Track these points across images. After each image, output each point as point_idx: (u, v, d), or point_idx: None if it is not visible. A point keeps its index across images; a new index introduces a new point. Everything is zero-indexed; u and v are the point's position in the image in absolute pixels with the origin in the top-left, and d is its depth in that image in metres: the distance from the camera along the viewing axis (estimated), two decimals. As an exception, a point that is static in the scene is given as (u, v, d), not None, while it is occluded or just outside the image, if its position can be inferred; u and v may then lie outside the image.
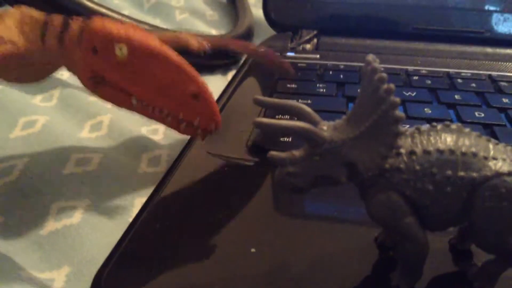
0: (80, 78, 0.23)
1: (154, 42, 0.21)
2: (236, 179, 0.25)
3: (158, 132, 0.33)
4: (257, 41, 0.49)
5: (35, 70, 0.25)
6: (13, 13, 0.23)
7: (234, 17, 0.53)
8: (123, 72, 0.21)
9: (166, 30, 0.41)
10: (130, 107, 0.23)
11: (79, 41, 0.22)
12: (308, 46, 0.46)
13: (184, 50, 0.26)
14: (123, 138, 0.31)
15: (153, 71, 0.21)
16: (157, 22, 0.52)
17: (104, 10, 0.38)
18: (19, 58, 0.23)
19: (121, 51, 0.21)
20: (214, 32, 0.53)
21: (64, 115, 0.34)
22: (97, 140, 0.31)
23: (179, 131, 0.23)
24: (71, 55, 0.22)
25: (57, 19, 0.22)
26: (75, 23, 0.22)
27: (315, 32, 0.47)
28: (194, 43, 0.27)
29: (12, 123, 0.32)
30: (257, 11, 0.53)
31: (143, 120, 0.34)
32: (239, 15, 0.52)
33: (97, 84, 0.22)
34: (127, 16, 0.39)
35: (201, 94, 0.22)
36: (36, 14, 0.23)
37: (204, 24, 0.54)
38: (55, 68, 0.25)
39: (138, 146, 0.31)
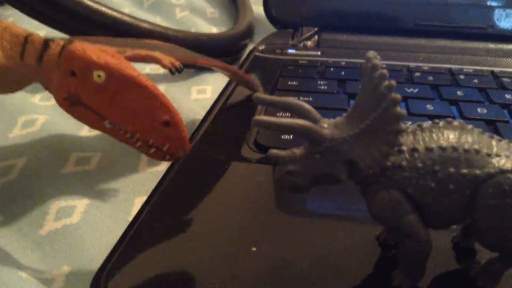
0: (55, 97, 0.23)
1: (131, 70, 0.22)
2: (236, 178, 0.25)
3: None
4: (257, 38, 0.49)
5: (10, 83, 0.25)
6: None
7: (235, 14, 0.53)
8: (100, 96, 0.22)
9: (163, 28, 0.41)
10: (102, 128, 0.23)
11: (57, 63, 0.22)
12: (309, 43, 0.46)
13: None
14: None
15: (128, 97, 0.22)
16: (157, 20, 0.52)
17: (103, 9, 0.38)
18: None
19: (99, 77, 0.21)
20: (214, 29, 0.53)
21: (63, 114, 0.33)
22: (96, 139, 0.31)
23: (148, 155, 0.24)
24: (48, 74, 0.23)
25: (37, 38, 0.23)
26: (55, 45, 0.22)
27: (316, 29, 0.47)
28: (166, 63, 0.27)
29: (12, 122, 0.32)
30: (258, 8, 0.53)
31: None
32: (239, 12, 0.52)
33: (72, 104, 0.22)
34: (127, 14, 0.39)
35: (173, 122, 0.22)
36: (17, 29, 0.23)
37: (204, 21, 0.54)
38: (30, 82, 0.26)
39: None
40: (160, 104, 0.22)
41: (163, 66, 0.27)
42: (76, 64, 0.22)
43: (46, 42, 0.22)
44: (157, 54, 0.28)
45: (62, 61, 0.22)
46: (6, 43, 0.23)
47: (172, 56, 0.28)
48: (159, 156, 0.24)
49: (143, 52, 0.27)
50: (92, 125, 0.23)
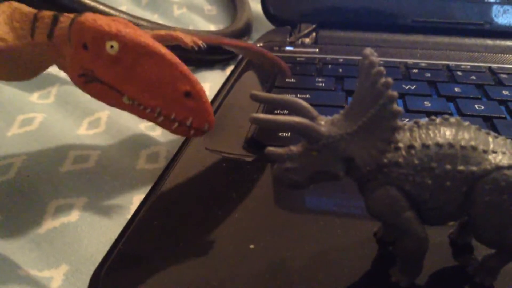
0: (70, 75, 0.22)
1: (145, 39, 0.21)
2: (234, 175, 0.25)
3: (156, 129, 0.33)
4: (255, 35, 0.49)
5: (25, 67, 0.24)
6: (3, 9, 0.22)
7: (233, 12, 0.53)
8: (114, 69, 0.21)
9: (161, 26, 0.41)
10: (121, 105, 0.22)
11: (69, 37, 0.21)
12: (307, 40, 0.46)
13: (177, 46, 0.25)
14: (121, 134, 0.31)
15: (145, 68, 0.21)
16: (155, 17, 0.52)
17: (101, 7, 0.38)
18: (8, 55, 0.22)
19: (113, 48, 0.20)
20: (212, 27, 0.53)
21: (61, 113, 0.33)
22: (95, 137, 0.31)
23: (171, 131, 0.23)
24: (61, 51, 0.22)
25: (47, 14, 0.22)
26: (65, 19, 0.22)
27: (313, 26, 0.47)
28: (187, 41, 0.26)
29: (10, 121, 0.32)
30: (256, 6, 0.53)
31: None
32: (237, 9, 0.52)
33: (87, 81, 0.22)
34: (125, 12, 0.39)
35: (194, 92, 0.21)
36: (26, 9, 0.22)
37: (202, 19, 0.54)
38: (46, 65, 0.25)
39: (136, 143, 0.31)
40: (179, 74, 0.21)
41: (185, 44, 0.26)
42: (87, 35, 0.21)
43: (56, 16, 0.22)
44: (178, 33, 0.26)
45: (73, 34, 0.21)
46: (16, 24, 0.22)
47: (195, 36, 0.27)
48: (183, 131, 0.22)
49: (162, 31, 0.26)
50: (110, 102, 0.22)
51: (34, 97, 0.35)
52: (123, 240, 0.21)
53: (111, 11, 0.38)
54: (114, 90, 0.22)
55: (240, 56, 0.43)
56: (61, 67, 0.24)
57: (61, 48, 0.22)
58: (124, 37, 0.20)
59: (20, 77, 0.25)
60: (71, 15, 0.22)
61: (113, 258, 0.20)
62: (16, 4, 0.23)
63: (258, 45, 0.44)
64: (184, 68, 0.21)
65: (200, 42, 0.26)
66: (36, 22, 0.22)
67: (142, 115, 0.22)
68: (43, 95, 0.36)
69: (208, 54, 0.41)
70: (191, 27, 0.51)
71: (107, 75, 0.21)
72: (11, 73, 0.24)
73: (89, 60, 0.21)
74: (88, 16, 0.21)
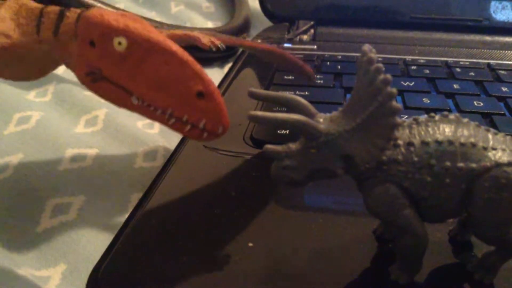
0: (76, 73, 0.22)
1: (156, 35, 0.20)
2: (233, 173, 0.25)
3: (154, 126, 0.33)
4: (254, 32, 0.49)
5: (32, 66, 0.24)
6: (10, 5, 0.22)
7: (231, 9, 0.53)
8: (123, 67, 0.20)
9: (159, 24, 0.40)
10: (130, 106, 0.21)
11: (75, 33, 0.20)
12: (305, 37, 0.46)
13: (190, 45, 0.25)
14: (118, 133, 0.31)
15: (155, 66, 0.20)
16: (152, 15, 0.52)
17: (99, 4, 0.38)
18: (13, 52, 0.22)
19: (120, 44, 0.19)
20: (210, 24, 0.52)
21: (59, 111, 0.33)
22: (92, 135, 0.31)
23: (183, 133, 0.21)
24: (67, 48, 0.21)
25: (53, 10, 0.21)
26: (72, 14, 0.21)
27: (312, 22, 0.47)
28: (205, 42, 0.25)
29: (6, 119, 0.31)
30: (254, 2, 0.53)
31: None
32: (235, 6, 0.52)
33: (94, 80, 0.21)
34: (122, 10, 0.39)
35: (208, 93, 0.20)
36: (32, 5, 0.22)
37: (200, 16, 0.53)
38: (53, 64, 0.24)
39: (134, 141, 0.30)
40: (191, 73, 0.20)
41: (203, 45, 0.25)
42: (94, 31, 0.20)
43: (62, 12, 0.21)
44: (196, 33, 0.25)
45: (79, 30, 0.20)
46: (22, 20, 0.21)
47: (213, 37, 0.26)
48: (195, 134, 0.21)
49: (179, 31, 0.25)
50: (119, 103, 0.21)
51: (31, 95, 0.35)
52: (121, 239, 0.21)
53: (109, 9, 0.38)
54: (122, 90, 0.20)
55: (239, 53, 0.43)
56: (68, 66, 0.23)
57: (67, 45, 0.21)
58: (132, 33, 0.19)
59: (27, 76, 0.24)
60: (78, 10, 0.21)
61: (111, 257, 0.20)
62: (23, 1, 0.22)
63: (256, 42, 0.44)
64: (197, 67, 0.20)
65: (218, 43, 0.25)
66: (42, 18, 0.21)
67: (153, 116, 0.21)
68: (40, 93, 0.35)
69: (206, 52, 0.41)
70: (188, 24, 0.51)
71: (115, 73, 0.20)
72: (18, 71, 0.24)
73: (96, 58, 0.20)
74: (95, 11, 0.20)
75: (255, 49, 0.30)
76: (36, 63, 0.24)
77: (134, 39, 0.19)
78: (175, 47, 0.20)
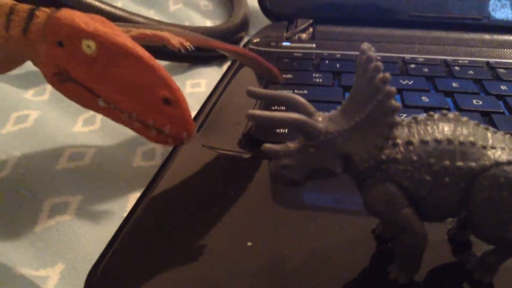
0: (44, 73, 0.21)
1: (123, 39, 0.20)
2: (231, 172, 0.25)
3: (152, 125, 0.33)
4: (252, 31, 0.49)
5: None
6: None
7: (229, 7, 0.53)
8: (90, 69, 0.20)
9: (158, 22, 0.40)
10: (96, 108, 0.21)
11: (44, 33, 0.20)
12: (303, 36, 0.45)
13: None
14: (116, 132, 0.31)
15: (122, 70, 0.20)
16: (150, 13, 0.52)
17: (96, 3, 0.38)
18: None
19: (89, 47, 0.19)
20: (208, 22, 0.52)
21: (56, 110, 0.33)
22: (90, 134, 0.31)
23: (148, 138, 0.22)
24: (36, 47, 0.21)
25: (23, 8, 0.21)
26: (42, 13, 0.21)
27: (310, 21, 0.47)
28: (174, 43, 0.25)
29: (4, 118, 0.31)
30: (252, 1, 0.53)
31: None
32: (234, 5, 0.51)
33: (61, 81, 0.21)
34: (120, 8, 0.38)
35: (173, 99, 0.20)
36: (3, 1, 0.21)
37: (198, 14, 0.53)
38: (20, 61, 0.24)
39: (132, 140, 0.30)
40: (157, 78, 0.20)
41: (172, 46, 0.25)
42: (63, 32, 0.20)
43: (32, 11, 0.21)
44: (165, 33, 0.25)
45: (48, 30, 0.20)
46: None
47: (183, 38, 0.26)
48: (160, 139, 0.22)
49: (148, 31, 0.25)
50: (85, 104, 0.22)
51: (29, 94, 0.35)
52: (120, 238, 0.21)
53: (107, 7, 0.38)
54: (89, 92, 0.21)
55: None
56: (36, 64, 0.22)
57: (35, 44, 0.21)
58: (101, 36, 0.19)
59: None
60: (48, 10, 0.21)
61: (109, 257, 0.20)
62: None
63: (255, 40, 0.44)
64: (164, 73, 0.20)
65: (187, 44, 0.25)
66: (11, 15, 0.21)
67: (118, 119, 0.21)
68: (37, 92, 0.35)
69: (204, 51, 0.41)
70: (186, 23, 0.50)
71: (82, 75, 0.20)
72: None
73: (64, 59, 0.20)
74: (65, 12, 0.20)
75: (224, 50, 0.30)
76: (2, 59, 0.23)
77: (102, 42, 0.19)
78: (142, 52, 0.20)
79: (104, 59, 0.20)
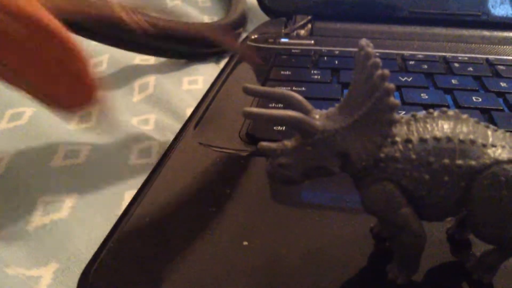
0: None
1: (27, 4, 0.18)
2: (228, 170, 0.25)
3: (149, 123, 0.32)
4: (250, 27, 0.48)
5: None
6: None
7: (227, 3, 0.52)
8: None
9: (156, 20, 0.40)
10: None
11: None
12: (302, 32, 0.45)
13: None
14: (112, 129, 0.31)
15: (22, 34, 0.19)
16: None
17: (94, 1, 0.37)
18: None
19: None
20: (206, 18, 0.52)
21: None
22: (85, 131, 0.31)
23: (46, 103, 0.21)
24: None
25: None
26: None
27: (309, 17, 0.47)
28: (124, 16, 0.23)
29: (-2, 116, 0.31)
30: (250, -3, 0.52)
31: (133, 110, 0.33)
32: (232, 1, 0.51)
33: None
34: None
35: (72, 60, 0.19)
36: None
37: (196, 10, 0.53)
38: None
39: (128, 137, 0.30)
40: (59, 43, 0.19)
41: (122, 22, 0.23)
42: None
43: None
44: (115, 6, 0.23)
45: None
46: None
47: (147, 17, 0.24)
48: (60, 104, 0.21)
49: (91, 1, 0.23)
50: None
51: (24, 91, 0.35)
52: (114, 237, 0.20)
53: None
54: None
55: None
56: None
57: None
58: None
59: None
60: None
61: (104, 256, 0.19)
62: None
63: (253, 37, 0.43)
64: (65, 34, 0.19)
65: (142, 20, 0.23)
66: None
67: (17, 86, 0.20)
68: (33, 89, 0.35)
69: (201, 47, 0.41)
70: (184, 19, 0.50)
71: None
72: None
73: None
74: None
75: (187, 33, 0.29)
76: None
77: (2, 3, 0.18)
78: (47, 19, 0.19)
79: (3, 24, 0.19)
